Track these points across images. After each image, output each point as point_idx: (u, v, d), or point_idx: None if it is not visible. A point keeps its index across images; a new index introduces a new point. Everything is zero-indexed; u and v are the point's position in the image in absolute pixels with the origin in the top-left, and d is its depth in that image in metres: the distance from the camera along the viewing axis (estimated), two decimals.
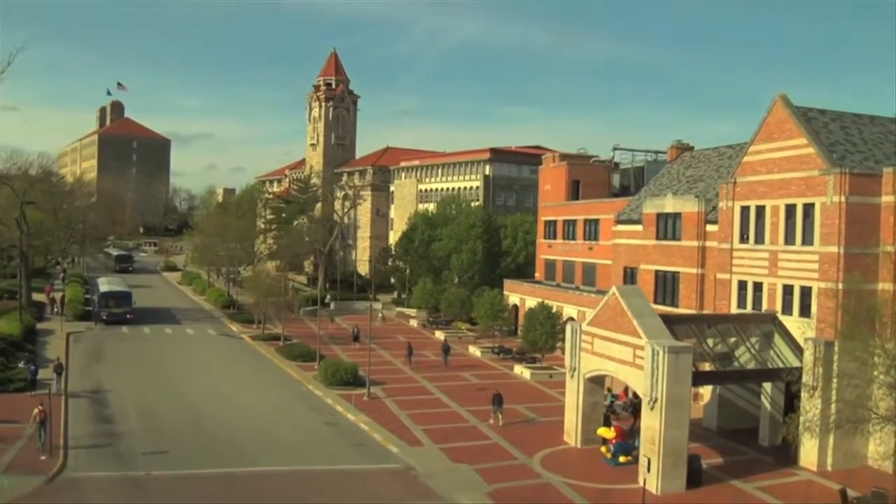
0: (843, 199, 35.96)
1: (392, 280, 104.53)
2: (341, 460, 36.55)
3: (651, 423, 33.35)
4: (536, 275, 76.39)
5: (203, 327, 74.74)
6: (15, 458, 34.11)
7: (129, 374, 53.37)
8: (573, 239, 70.21)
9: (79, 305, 74.91)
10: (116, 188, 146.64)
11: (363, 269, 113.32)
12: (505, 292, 74.84)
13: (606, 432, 37.65)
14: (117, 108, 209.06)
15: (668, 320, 36.81)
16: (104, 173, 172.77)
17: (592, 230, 67.47)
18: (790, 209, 39.15)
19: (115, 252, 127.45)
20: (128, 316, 72.88)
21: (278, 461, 35.71)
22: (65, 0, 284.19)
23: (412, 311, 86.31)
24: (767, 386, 39.79)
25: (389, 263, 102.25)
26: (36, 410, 35.43)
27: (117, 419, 41.95)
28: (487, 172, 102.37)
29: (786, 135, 39.71)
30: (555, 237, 73.24)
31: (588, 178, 75.08)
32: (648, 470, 29.02)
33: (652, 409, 33.30)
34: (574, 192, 74.18)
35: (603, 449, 37.51)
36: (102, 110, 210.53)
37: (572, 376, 40.18)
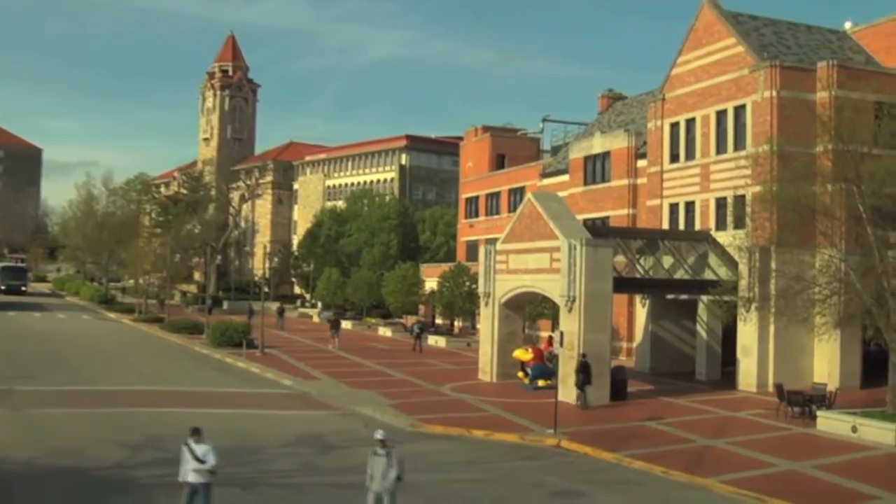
0: (774, 93, 37.54)
1: (294, 285, 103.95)
2: (229, 387, 36.54)
3: (570, 328, 33.67)
4: (458, 261, 76.83)
5: (77, 314, 74.00)
6: None
7: None
8: (497, 214, 70.98)
9: None
10: None
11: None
12: (421, 277, 75.06)
13: (523, 354, 37.81)
14: None
15: (595, 232, 37.47)
16: None
17: (518, 200, 68.20)
18: (721, 116, 40.76)
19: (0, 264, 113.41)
20: None
21: (159, 385, 35.64)
22: None
23: (314, 312, 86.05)
24: (703, 315, 40.80)
25: (290, 263, 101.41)
26: None
27: None
28: (404, 162, 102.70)
29: (714, 38, 41.45)
30: (477, 215, 74.02)
31: (515, 151, 75.79)
32: (561, 345, 29.39)
33: (570, 311, 33.82)
34: (499, 168, 75.06)
35: (520, 374, 37.86)
36: None
37: (487, 303, 40.65)
